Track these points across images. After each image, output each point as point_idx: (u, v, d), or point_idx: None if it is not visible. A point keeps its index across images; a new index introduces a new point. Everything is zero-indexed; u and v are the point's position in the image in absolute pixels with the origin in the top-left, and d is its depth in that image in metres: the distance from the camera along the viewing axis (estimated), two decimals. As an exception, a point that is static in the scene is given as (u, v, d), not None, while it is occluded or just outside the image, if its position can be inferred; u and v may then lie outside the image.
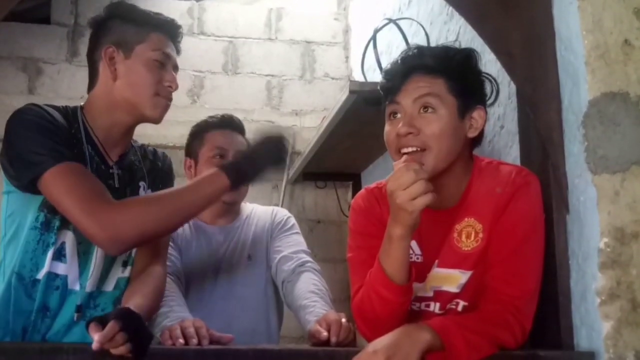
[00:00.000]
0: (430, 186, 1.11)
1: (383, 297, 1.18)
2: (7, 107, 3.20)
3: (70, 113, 1.38)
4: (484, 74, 1.33)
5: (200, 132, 1.89)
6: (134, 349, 1.05)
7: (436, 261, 1.28)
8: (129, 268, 1.43)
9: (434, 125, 1.23)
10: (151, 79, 1.37)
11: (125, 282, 1.42)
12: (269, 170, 1.39)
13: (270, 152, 1.40)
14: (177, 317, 1.45)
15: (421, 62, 1.27)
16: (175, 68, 1.44)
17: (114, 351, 1.04)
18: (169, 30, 1.44)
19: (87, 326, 1.05)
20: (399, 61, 1.30)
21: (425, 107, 1.24)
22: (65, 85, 3.09)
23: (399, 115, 1.27)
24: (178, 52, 1.46)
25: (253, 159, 1.38)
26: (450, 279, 1.23)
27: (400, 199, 1.11)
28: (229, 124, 1.89)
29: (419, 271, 1.29)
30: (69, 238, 1.36)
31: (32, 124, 1.28)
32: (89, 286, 1.38)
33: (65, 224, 1.34)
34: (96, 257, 1.38)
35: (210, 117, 1.93)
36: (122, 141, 1.44)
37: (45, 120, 1.30)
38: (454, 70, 1.27)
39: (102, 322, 1.05)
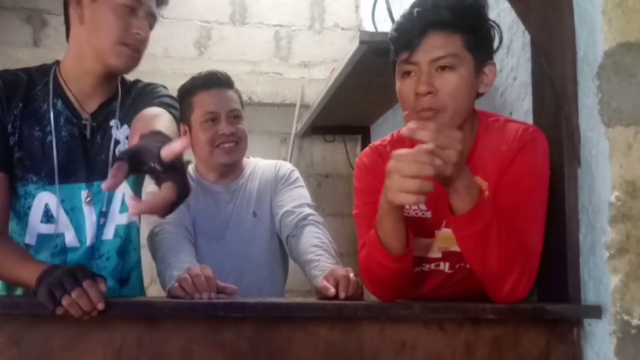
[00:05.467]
0: (429, 186, 1.02)
1: (381, 263, 1.18)
2: (12, 59, 3.15)
3: (41, 71, 1.38)
4: (491, 22, 1.29)
5: (186, 95, 1.80)
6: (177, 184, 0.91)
7: (444, 222, 1.27)
8: (125, 215, 1.41)
9: (453, 85, 1.20)
10: (117, 24, 1.30)
11: (124, 229, 1.42)
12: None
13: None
14: (184, 269, 1.45)
15: (438, 18, 1.21)
16: (151, 16, 1.36)
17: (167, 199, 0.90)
18: None
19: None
20: (415, 15, 1.23)
21: (443, 66, 1.21)
22: (71, 37, 3.05)
23: (413, 73, 1.22)
24: (160, 2, 1.39)
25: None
26: None
27: (390, 183, 1.05)
28: (215, 82, 1.79)
29: (427, 227, 1.29)
30: (50, 199, 1.35)
31: None
32: (89, 240, 1.38)
33: (40, 186, 1.34)
34: (85, 210, 1.37)
35: (194, 77, 1.84)
36: (98, 92, 1.39)
37: None
38: (469, 25, 1.23)
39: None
